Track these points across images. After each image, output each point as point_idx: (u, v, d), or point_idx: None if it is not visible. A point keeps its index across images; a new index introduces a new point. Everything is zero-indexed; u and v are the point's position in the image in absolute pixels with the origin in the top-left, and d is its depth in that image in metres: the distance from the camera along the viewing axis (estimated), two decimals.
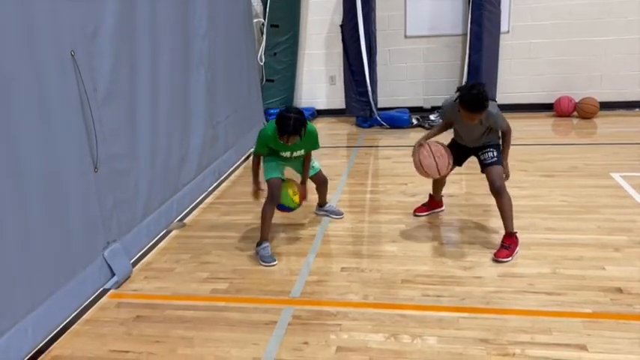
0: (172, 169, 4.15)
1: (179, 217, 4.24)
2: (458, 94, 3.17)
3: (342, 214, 4.14)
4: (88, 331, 2.85)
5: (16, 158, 2.51)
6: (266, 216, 3.51)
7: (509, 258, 3.29)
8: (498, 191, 3.34)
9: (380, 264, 3.37)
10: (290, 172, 3.83)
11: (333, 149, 6.00)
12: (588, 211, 3.94)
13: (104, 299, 3.13)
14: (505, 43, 6.86)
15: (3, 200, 2.42)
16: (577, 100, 6.75)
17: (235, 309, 2.97)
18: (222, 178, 5.13)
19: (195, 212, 4.42)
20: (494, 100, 3.32)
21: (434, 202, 4.06)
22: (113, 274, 3.24)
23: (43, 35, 2.68)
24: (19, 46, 2.52)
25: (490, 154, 3.42)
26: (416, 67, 7.28)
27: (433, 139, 3.58)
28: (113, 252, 3.26)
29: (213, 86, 4.92)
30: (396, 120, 6.84)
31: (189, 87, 4.46)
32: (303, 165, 3.72)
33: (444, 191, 4.09)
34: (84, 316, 2.96)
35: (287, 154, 3.55)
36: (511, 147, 3.49)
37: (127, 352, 2.65)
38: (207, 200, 4.67)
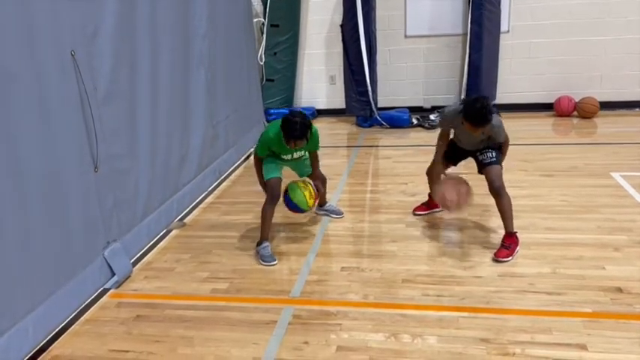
0: (172, 169, 4.15)
1: (179, 217, 4.24)
2: (462, 106, 3.19)
3: (342, 213, 4.14)
4: (88, 330, 2.85)
5: (16, 158, 2.51)
6: (266, 216, 3.51)
7: (510, 258, 3.30)
8: (498, 191, 3.34)
9: (380, 263, 3.37)
10: (289, 173, 3.83)
11: (333, 149, 6.00)
12: (588, 211, 3.94)
13: (104, 299, 3.14)
14: (505, 43, 6.86)
15: (3, 200, 2.42)
16: (577, 100, 6.75)
17: (235, 308, 2.98)
18: (222, 177, 5.13)
19: (195, 212, 4.42)
20: (498, 113, 3.34)
21: (433, 202, 4.05)
22: (113, 274, 3.24)
23: (43, 35, 2.68)
24: (19, 46, 2.52)
25: (489, 154, 3.42)
26: (416, 66, 7.28)
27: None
28: (113, 252, 3.26)
29: (213, 86, 4.92)
30: (396, 120, 6.84)
31: (189, 87, 4.46)
32: (312, 162, 3.75)
33: None
34: (84, 316, 2.96)
35: (288, 156, 3.57)
36: (511, 147, 3.50)
37: (127, 351, 2.65)
38: (208, 200, 4.67)
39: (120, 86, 3.37)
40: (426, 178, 3.86)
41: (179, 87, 4.28)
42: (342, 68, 7.06)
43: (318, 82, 7.60)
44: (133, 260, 3.49)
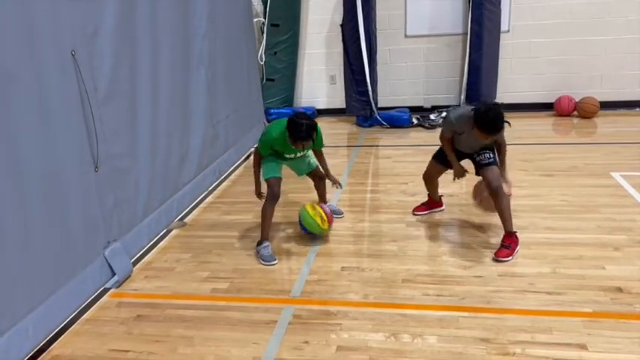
0: (173, 169, 4.16)
1: (179, 217, 4.24)
2: (473, 112, 3.18)
3: (343, 213, 4.14)
4: (89, 330, 2.85)
5: (16, 158, 2.51)
6: (266, 215, 3.51)
7: (510, 257, 3.30)
8: (496, 192, 3.33)
9: (380, 263, 3.37)
10: (287, 172, 3.83)
11: (333, 149, 5.99)
12: (588, 211, 3.94)
13: (104, 299, 3.14)
14: (505, 43, 6.85)
15: (3, 200, 2.42)
16: (577, 100, 6.75)
17: (236, 308, 2.98)
18: (222, 177, 5.13)
19: (195, 211, 4.42)
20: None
21: (433, 202, 4.06)
22: (113, 274, 3.24)
23: (43, 35, 2.68)
24: (19, 46, 2.52)
25: (487, 155, 3.42)
26: (416, 66, 7.27)
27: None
28: (113, 251, 3.27)
29: (213, 85, 4.92)
30: (396, 119, 6.83)
31: (189, 86, 4.46)
32: (319, 161, 3.76)
33: (444, 191, 4.10)
34: (84, 316, 2.97)
35: (292, 155, 3.57)
36: (512, 146, 3.50)
37: (128, 351, 2.65)
38: (208, 199, 4.67)
39: (120, 86, 3.37)
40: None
41: (179, 87, 4.28)
42: (342, 68, 7.06)
43: (319, 81, 7.60)
44: (133, 260, 3.49)
